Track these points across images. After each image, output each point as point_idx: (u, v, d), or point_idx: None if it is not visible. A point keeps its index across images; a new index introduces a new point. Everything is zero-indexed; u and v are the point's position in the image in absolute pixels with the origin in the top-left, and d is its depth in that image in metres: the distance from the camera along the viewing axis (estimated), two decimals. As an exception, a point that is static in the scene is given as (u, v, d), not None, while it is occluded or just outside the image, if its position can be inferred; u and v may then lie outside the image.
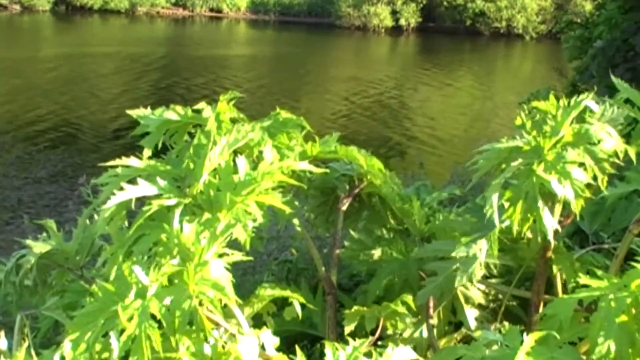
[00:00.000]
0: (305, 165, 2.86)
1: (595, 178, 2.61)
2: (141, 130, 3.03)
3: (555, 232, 2.73)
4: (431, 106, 25.85)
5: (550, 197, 2.66)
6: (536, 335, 2.31)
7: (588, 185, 2.58)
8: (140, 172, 2.70)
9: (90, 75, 28.34)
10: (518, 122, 2.77)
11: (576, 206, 2.56)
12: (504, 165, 2.67)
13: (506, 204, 2.63)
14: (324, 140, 3.24)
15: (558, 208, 2.74)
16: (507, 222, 2.65)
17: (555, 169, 2.55)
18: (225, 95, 3.08)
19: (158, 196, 2.61)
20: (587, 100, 2.75)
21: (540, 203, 2.58)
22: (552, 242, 2.66)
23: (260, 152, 2.93)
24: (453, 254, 2.85)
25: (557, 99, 2.77)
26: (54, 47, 34.03)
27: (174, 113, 3.04)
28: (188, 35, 42.81)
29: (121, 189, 2.59)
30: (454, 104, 26.74)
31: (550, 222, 2.62)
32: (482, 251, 2.80)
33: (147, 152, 2.99)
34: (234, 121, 3.06)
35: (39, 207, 14.32)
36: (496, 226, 2.68)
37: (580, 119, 2.76)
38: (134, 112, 3.04)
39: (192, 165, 2.73)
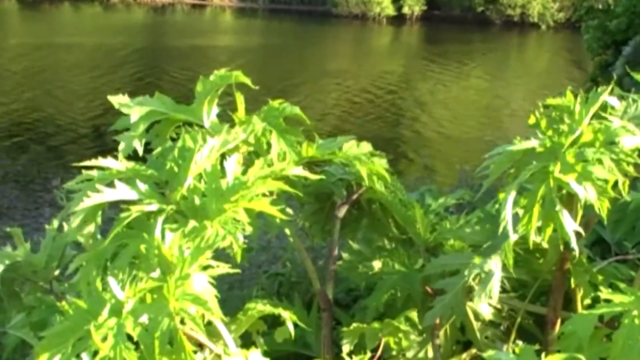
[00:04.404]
0: (299, 171, 2.86)
1: (616, 181, 2.61)
2: (122, 125, 3.02)
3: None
4: (437, 102, 25.88)
5: (567, 204, 2.66)
6: (554, 356, 2.32)
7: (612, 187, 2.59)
8: (118, 175, 2.69)
9: (61, 68, 28.31)
10: (532, 121, 2.78)
11: (602, 208, 2.56)
12: (513, 170, 2.68)
13: (521, 212, 2.63)
14: (328, 141, 3.24)
15: (577, 215, 2.74)
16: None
17: (574, 169, 2.55)
18: (220, 71, 3.09)
19: (137, 202, 2.61)
20: (608, 95, 2.76)
21: (558, 207, 2.59)
22: (576, 250, 2.65)
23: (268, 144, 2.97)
24: (467, 272, 2.85)
25: (575, 95, 2.77)
26: (21, 38, 33.97)
27: (159, 102, 3.04)
28: (169, 24, 42.79)
29: (97, 191, 2.58)
30: (463, 99, 26.77)
31: (572, 226, 2.61)
32: (499, 266, 2.79)
33: (122, 148, 2.96)
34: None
35: (2, 213, 14.28)
36: (510, 236, 2.68)
37: (601, 117, 2.77)
38: (115, 99, 3.01)
39: (176, 169, 2.72)
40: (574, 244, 2.61)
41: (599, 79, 11.78)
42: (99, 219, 2.72)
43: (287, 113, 3.16)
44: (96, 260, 2.60)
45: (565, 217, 2.60)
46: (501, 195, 2.61)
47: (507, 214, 2.59)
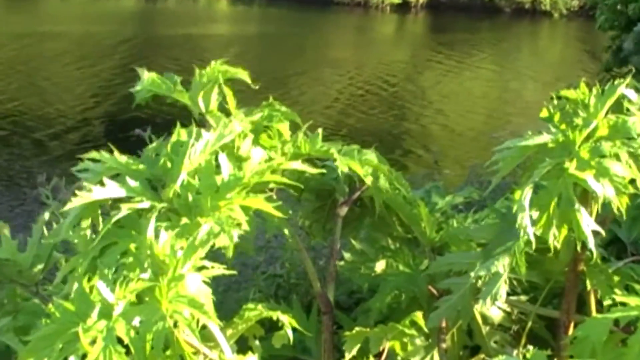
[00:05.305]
0: (298, 165, 2.85)
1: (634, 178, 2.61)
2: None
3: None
4: (445, 95, 25.87)
5: (582, 202, 2.66)
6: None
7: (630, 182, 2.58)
8: (114, 170, 2.69)
9: (49, 59, 28.28)
10: (544, 114, 2.77)
11: (620, 205, 2.56)
12: (527, 168, 2.67)
13: (535, 211, 2.62)
14: (310, 137, 3.23)
15: (592, 213, 2.73)
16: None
17: (590, 165, 2.55)
18: (217, 61, 3.10)
19: (129, 199, 2.60)
20: (625, 87, 2.75)
21: (577, 205, 2.58)
22: (594, 251, 2.65)
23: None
24: (472, 273, 2.84)
25: (590, 86, 2.77)
26: (6, 27, 33.96)
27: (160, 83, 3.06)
28: (161, 13, 42.75)
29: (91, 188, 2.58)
30: (471, 91, 26.76)
31: (590, 225, 2.61)
32: (507, 266, 2.79)
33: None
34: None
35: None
36: (522, 235, 2.68)
37: (618, 109, 2.77)
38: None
39: (168, 164, 2.72)
40: (591, 244, 2.61)
41: (613, 69, 11.79)
42: (88, 220, 2.71)
43: (273, 123, 3.16)
44: (85, 260, 2.59)
45: (583, 216, 2.59)
46: (516, 195, 2.60)
47: (525, 215, 2.58)
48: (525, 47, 38.63)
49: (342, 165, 3.14)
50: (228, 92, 3.14)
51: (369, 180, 3.20)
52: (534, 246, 2.67)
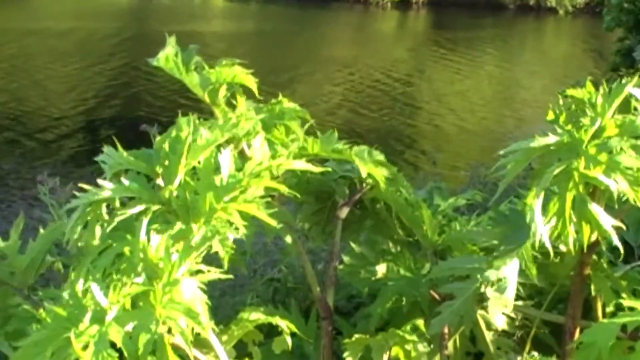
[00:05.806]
0: (301, 165, 2.84)
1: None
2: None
3: (594, 245, 2.72)
4: (447, 93, 25.85)
5: (593, 201, 2.65)
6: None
7: None
8: (121, 166, 2.68)
9: (39, 57, 28.25)
10: (550, 116, 2.76)
11: (637, 199, 2.54)
12: (535, 171, 2.66)
13: (549, 217, 2.61)
14: (324, 137, 3.22)
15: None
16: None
17: (599, 162, 2.54)
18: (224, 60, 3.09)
19: (129, 199, 2.60)
20: (632, 86, 2.75)
21: (592, 204, 2.58)
22: (620, 246, 2.64)
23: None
24: (479, 276, 2.83)
25: (596, 85, 2.76)
26: (2, 23, 33.96)
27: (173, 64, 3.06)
28: (155, 8, 42.75)
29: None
30: (474, 90, 26.74)
31: (609, 221, 2.60)
32: (515, 272, 2.78)
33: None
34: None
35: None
36: (528, 238, 2.67)
37: (625, 109, 2.76)
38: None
39: (166, 162, 2.70)
40: (615, 240, 2.60)
41: (620, 68, 11.79)
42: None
43: (287, 119, 3.15)
44: (82, 264, 2.58)
45: (600, 213, 2.58)
46: (528, 201, 2.59)
47: (538, 223, 2.57)
48: (530, 44, 38.61)
49: (363, 168, 3.14)
50: (240, 99, 3.13)
51: (382, 183, 3.19)
52: (537, 250, 2.66)
